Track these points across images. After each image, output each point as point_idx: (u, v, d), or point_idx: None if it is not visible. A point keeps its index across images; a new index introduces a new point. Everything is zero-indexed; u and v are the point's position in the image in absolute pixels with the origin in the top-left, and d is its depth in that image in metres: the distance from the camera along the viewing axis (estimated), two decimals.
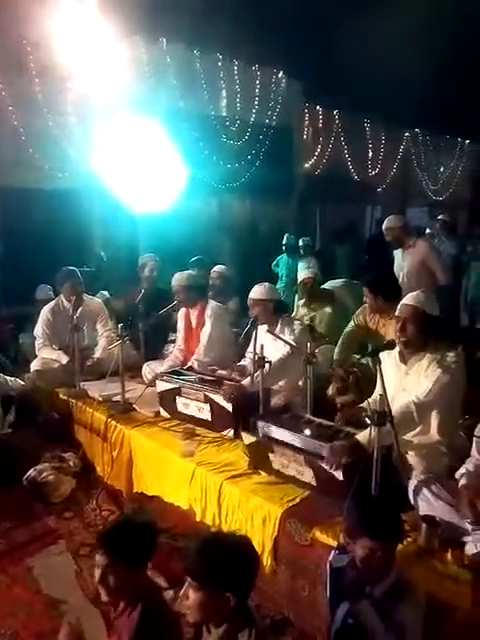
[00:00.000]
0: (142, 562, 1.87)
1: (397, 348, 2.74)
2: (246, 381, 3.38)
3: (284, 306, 3.87)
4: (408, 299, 2.75)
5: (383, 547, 1.81)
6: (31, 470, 3.61)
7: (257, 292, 3.66)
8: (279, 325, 3.61)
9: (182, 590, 1.71)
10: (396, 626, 1.76)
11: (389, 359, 2.76)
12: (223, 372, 3.87)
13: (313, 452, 2.60)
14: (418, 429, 2.63)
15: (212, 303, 4.16)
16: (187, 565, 1.69)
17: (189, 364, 4.04)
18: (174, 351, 4.32)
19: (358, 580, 1.84)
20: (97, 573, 1.81)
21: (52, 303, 4.74)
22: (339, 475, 2.46)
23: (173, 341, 4.71)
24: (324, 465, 2.51)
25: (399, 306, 2.78)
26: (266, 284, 3.77)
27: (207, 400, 3.40)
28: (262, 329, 3.51)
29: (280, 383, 3.62)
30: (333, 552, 2.07)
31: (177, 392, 3.57)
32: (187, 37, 7.75)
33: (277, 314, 3.65)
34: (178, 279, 4.16)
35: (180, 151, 6.10)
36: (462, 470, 2.34)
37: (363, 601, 1.83)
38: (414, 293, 2.78)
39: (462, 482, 2.28)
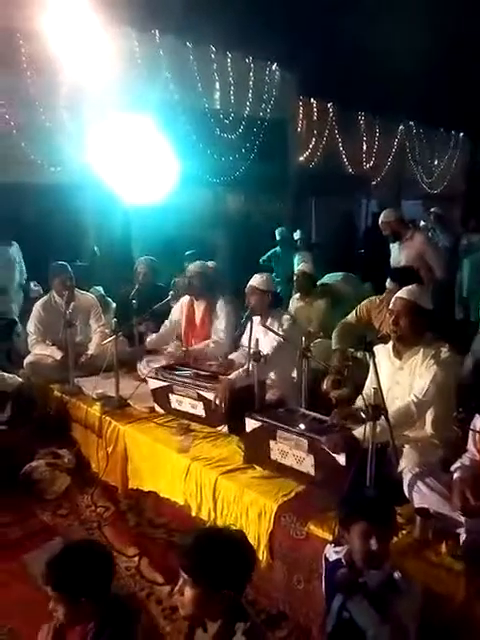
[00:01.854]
0: (91, 593, 1.77)
1: (391, 342, 2.75)
2: (233, 375, 3.38)
3: (280, 300, 3.88)
4: (402, 293, 2.75)
5: (378, 532, 1.82)
6: (26, 467, 3.60)
7: (257, 281, 3.66)
8: (271, 318, 3.62)
9: (177, 586, 1.70)
10: (391, 619, 1.77)
11: (383, 352, 2.77)
12: (215, 363, 3.87)
13: (316, 438, 2.59)
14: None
15: (222, 299, 4.16)
16: (183, 561, 1.67)
17: (203, 347, 4.03)
18: (170, 346, 4.32)
19: (352, 573, 1.85)
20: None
21: (44, 299, 4.71)
22: (341, 460, 2.46)
23: None
24: (326, 447, 2.51)
25: (393, 300, 2.78)
26: (266, 274, 3.80)
27: (200, 398, 3.39)
28: (256, 322, 3.52)
29: (274, 377, 3.62)
30: (328, 546, 2.08)
31: (170, 390, 3.55)
32: (179, 29, 7.69)
33: (271, 306, 3.65)
34: (193, 266, 4.18)
35: (174, 145, 6.07)
36: (457, 463, 2.35)
37: (357, 594, 1.83)
38: (408, 287, 2.78)
39: (456, 475, 2.28)
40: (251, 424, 2.91)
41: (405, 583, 1.84)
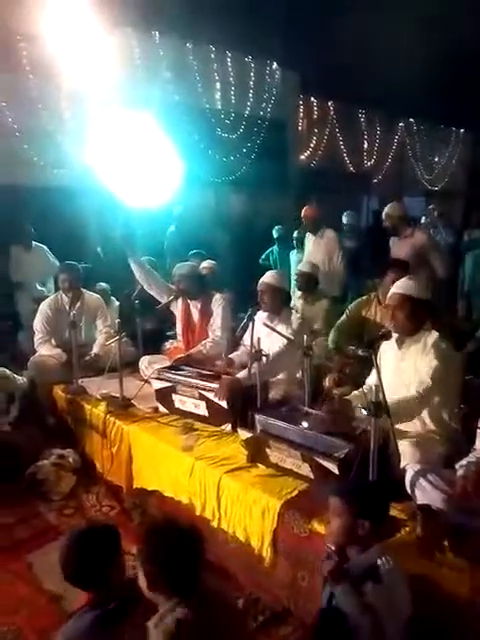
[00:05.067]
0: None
1: (394, 335, 2.76)
2: (241, 374, 3.38)
3: (289, 298, 3.89)
4: (396, 287, 2.77)
5: (353, 514, 1.88)
6: (31, 467, 3.63)
7: (271, 277, 3.67)
8: (279, 316, 3.62)
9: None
10: (368, 607, 1.78)
11: (388, 346, 2.80)
12: (219, 363, 3.88)
13: (309, 447, 2.62)
14: (415, 419, 2.65)
15: (217, 294, 4.16)
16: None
17: (198, 349, 4.03)
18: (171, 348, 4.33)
19: (338, 560, 1.88)
20: None
21: (51, 298, 4.72)
22: (335, 469, 2.47)
23: (171, 336, 4.72)
24: (319, 460, 2.53)
25: (389, 294, 2.80)
26: (281, 271, 3.84)
27: (202, 398, 3.41)
28: (259, 321, 3.52)
29: (278, 376, 3.63)
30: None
31: (173, 390, 3.57)
32: (179, 29, 7.70)
33: (282, 305, 3.66)
34: (180, 268, 4.17)
35: (175, 145, 6.07)
36: (463, 461, 2.34)
37: (344, 581, 1.86)
38: (402, 280, 2.81)
39: (460, 472, 2.29)
40: (244, 434, 2.96)
41: (388, 572, 1.84)
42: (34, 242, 6.62)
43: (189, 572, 1.76)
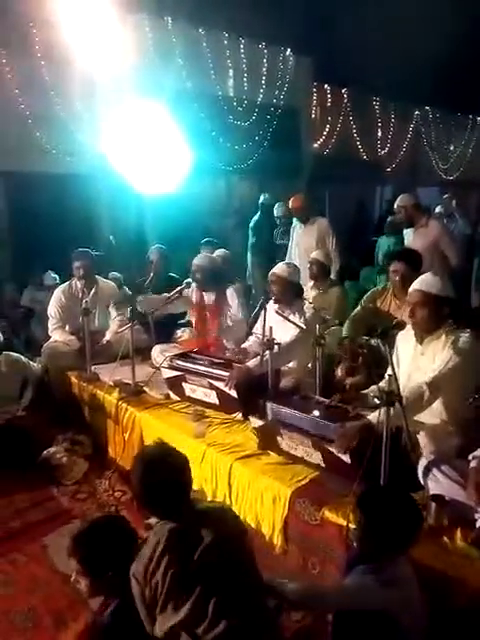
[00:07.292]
0: (115, 568, 1.86)
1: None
2: (252, 363, 3.38)
3: (301, 290, 3.87)
4: (417, 284, 2.69)
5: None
6: (45, 452, 3.68)
7: (281, 269, 3.65)
8: (291, 307, 3.60)
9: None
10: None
11: (407, 337, 2.77)
12: (232, 350, 3.89)
13: (320, 435, 2.61)
14: (428, 409, 2.64)
15: (232, 287, 4.16)
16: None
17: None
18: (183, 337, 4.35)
19: (355, 554, 1.92)
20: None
21: (65, 284, 4.75)
22: (346, 458, 2.47)
23: (183, 325, 4.73)
24: (331, 448, 2.53)
25: (409, 291, 2.74)
26: (291, 263, 3.80)
27: (212, 387, 3.42)
28: (271, 310, 3.51)
29: (290, 365, 3.63)
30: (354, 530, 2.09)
31: (183, 379, 3.58)
32: (192, 16, 7.63)
33: (293, 296, 3.64)
34: (198, 259, 4.17)
35: (187, 133, 6.04)
36: (477, 452, 2.33)
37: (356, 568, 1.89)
38: (422, 277, 2.73)
39: (473, 464, 2.27)
40: (255, 421, 2.96)
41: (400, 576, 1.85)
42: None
43: (172, 494, 1.81)
